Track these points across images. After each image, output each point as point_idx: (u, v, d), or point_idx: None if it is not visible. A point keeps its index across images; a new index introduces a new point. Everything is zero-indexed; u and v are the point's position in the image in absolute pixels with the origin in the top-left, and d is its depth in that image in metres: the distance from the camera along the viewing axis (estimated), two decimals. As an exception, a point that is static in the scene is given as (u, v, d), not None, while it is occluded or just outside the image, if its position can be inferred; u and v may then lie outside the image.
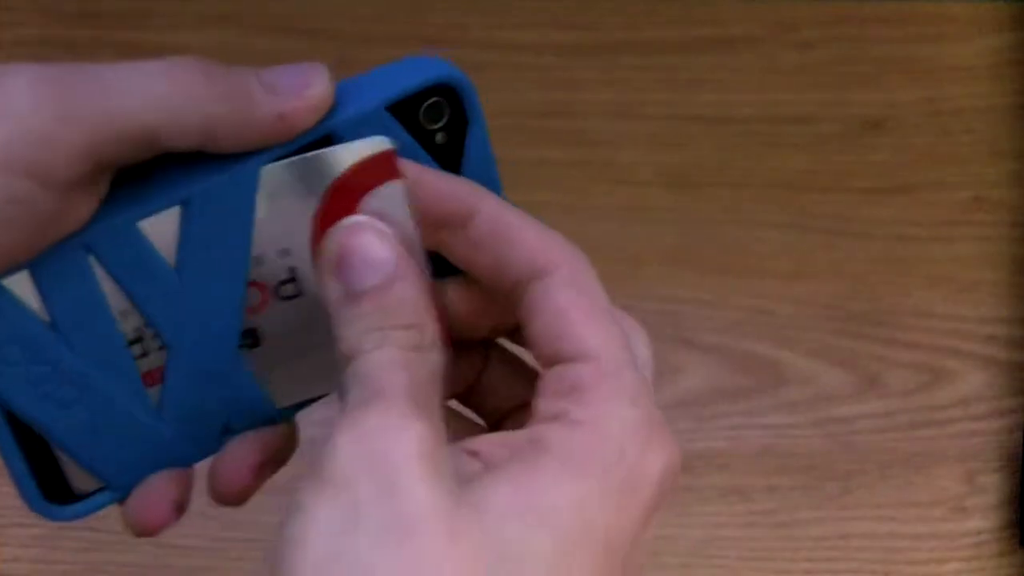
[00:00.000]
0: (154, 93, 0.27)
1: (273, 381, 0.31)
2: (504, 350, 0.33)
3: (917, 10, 0.66)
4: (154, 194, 0.29)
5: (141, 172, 0.29)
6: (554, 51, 0.65)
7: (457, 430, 0.31)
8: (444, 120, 0.29)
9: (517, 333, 0.30)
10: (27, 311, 0.29)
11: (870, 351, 0.62)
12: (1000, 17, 0.65)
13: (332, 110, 0.28)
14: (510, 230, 0.28)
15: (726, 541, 0.60)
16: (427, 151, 0.30)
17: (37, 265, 0.28)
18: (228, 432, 0.31)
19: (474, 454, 0.26)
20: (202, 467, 0.32)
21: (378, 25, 0.64)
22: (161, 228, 0.29)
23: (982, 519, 0.61)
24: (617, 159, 0.63)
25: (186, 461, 0.32)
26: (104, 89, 0.27)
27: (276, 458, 0.32)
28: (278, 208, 0.29)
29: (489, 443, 0.27)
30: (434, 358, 0.27)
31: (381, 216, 0.28)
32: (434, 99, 0.29)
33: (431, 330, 0.27)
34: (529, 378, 0.31)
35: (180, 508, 0.31)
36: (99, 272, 0.29)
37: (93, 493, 0.31)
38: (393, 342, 0.26)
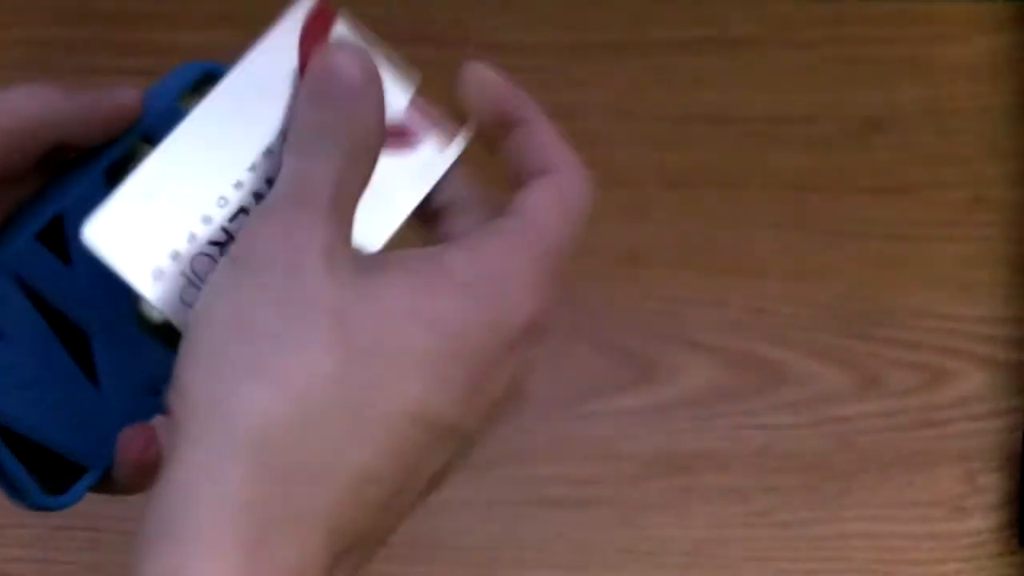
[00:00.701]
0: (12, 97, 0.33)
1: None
2: None
3: (917, 10, 0.66)
4: (38, 210, 0.34)
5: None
6: (554, 51, 0.65)
7: None
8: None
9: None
10: None
11: (870, 351, 0.62)
12: (1000, 17, 0.65)
13: (144, 113, 0.35)
14: (548, 136, 0.33)
15: (726, 541, 0.60)
16: None
17: None
18: (155, 393, 0.35)
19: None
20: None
21: (378, 25, 0.64)
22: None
23: (982, 519, 0.61)
24: (617, 159, 0.63)
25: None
26: None
27: None
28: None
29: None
30: (367, 172, 0.31)
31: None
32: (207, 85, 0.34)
33: (376, 148, 0.31)
34: None
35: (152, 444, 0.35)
36: (21, 286, 0.34)
37: (78, 478, 0.35)
38: (338, 154, 0.30)
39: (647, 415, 0.61)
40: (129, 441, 0.34)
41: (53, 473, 0.34)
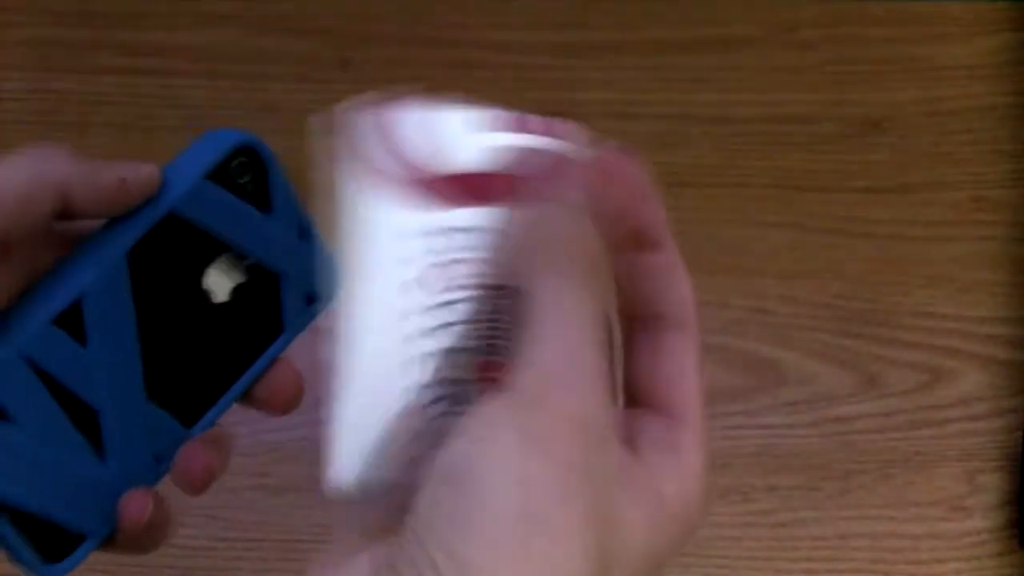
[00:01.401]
0: (18, 163, 0.33)
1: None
2: None
3: (917, 10, 0.66)
4: (56, 292, 0.34)
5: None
6: (554, 51, 0.65)
7: None
8: (249, 172, 0.36)
9: None
10: None
11: (870, 351, 0.62)
12: (1000, 17, 0.66)
13: (165, 189, 0.35)
14: (678, 271, 0.30)
15: (726, 541, 0.60)
16: (241, 199, 0.36)
17: None
18: (159, 460, 0.36)
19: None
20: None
21: (378, 25, 0.64)
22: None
23: (982, 519, 0.61)
24: (617, 159, 0.63)
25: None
26: None
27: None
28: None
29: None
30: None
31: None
32: (238, 160, 0.36)
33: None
34: None
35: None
36: (34, 369, 0.34)
37: (79, 544, 0.36)
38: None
39: (647, 415, 0.61)
40: (129, 505, 0.35)
41: (53, 540, 0.35)
